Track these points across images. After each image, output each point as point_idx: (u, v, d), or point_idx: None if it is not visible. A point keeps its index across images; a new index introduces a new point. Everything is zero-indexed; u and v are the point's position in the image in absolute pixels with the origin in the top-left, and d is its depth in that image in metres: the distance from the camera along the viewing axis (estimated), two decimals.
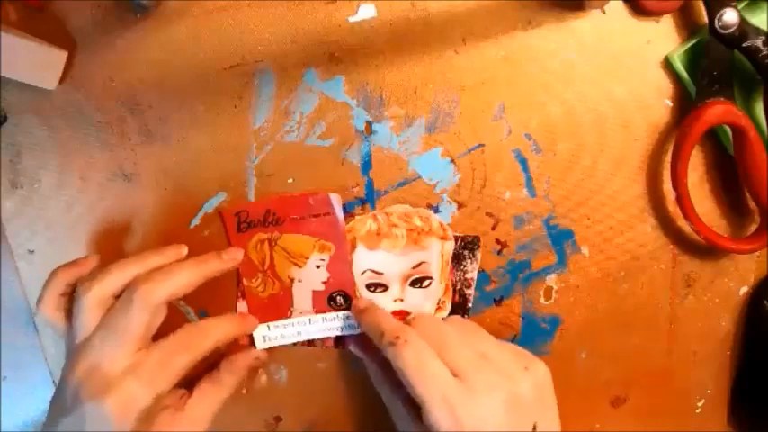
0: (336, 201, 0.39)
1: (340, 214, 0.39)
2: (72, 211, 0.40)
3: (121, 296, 0.34)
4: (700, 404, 0.44)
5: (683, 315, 0.42)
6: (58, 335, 0.36)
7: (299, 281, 0.41)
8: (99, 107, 0.39)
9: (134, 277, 0.34)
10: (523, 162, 0.40)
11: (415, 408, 0.33)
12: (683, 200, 0.38)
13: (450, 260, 0.40)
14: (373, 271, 0.40)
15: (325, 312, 0.41)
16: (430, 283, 0.40)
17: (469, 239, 0.40)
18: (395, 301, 0.41)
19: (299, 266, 0.40)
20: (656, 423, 0.44)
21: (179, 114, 0.39)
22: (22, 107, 0.39)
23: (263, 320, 0.41)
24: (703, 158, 0.40)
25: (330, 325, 0.41)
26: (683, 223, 0.40)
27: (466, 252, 0.40)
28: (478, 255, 0.40)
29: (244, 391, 0.43)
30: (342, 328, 0.41)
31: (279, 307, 0.41)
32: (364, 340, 0.39)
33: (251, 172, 0.39)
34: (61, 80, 0.38)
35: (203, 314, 0.41)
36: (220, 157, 0.39)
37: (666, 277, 0.42)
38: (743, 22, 0.35)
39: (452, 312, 0.41)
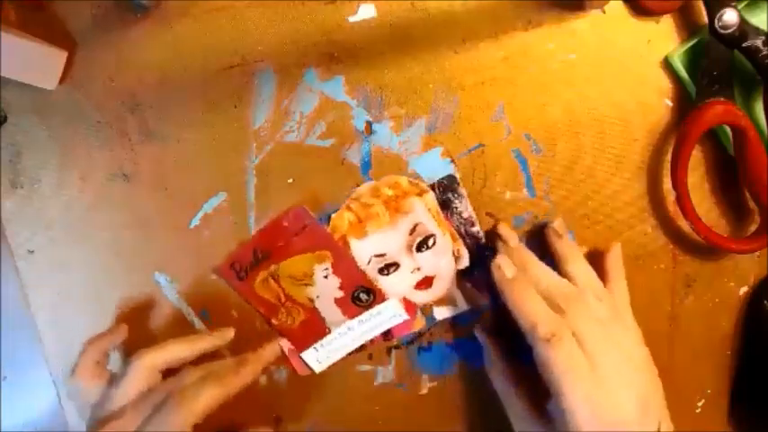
0: (307, 211, 0.39)
1: (317, 222, 0.39)
2: (72, 211, 0.40)
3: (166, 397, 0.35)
4: (700, 404, 0.44)
5: (683, 315, 0.42)
6: (89, 401, 0.37)
7: (317, 297, 0.41)
8: (99, 107, 0.39)
9: (183, 385, 0.35)
10: (523, 162, 0.40)
11: (534, 397, 0.36)
12: (683, 200, 0.38)
13: (440, 209, 0.40)
14: (377, 255, 0.40)
15: (357, 315, 0.41)
16: (435, 240, 0.40)
17: (445, 182, 0.40)
18: (413, 272, 0.40)
19: (311, 285, 0.40)
20: None
21: (179, 114, 0.39)
22: (22, 107, 0.39)
23: (309, 344, 0.42)
24: (703, 158, 0.40)
25: (369, 325, 0.41)
26: (683, 223, 0.40)
27: (449, 194, 0.40)
28: (462, 191, 0.40)
29: (244, 392, 0.43)
30: (382, 324, 0.41)
31: (315, 329, 0.41)
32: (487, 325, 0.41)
33: (251, 172, 0.39)
34: (61, 80, 0.38)
35: (204, 314, 0.41)
36: (220, 157, 0.39)
37: (666, 277, 0.42)
38: (743, 22, 0.35)
39: (471, 255, 0.40)
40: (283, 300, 0.41)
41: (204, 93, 0.39)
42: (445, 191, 0.40)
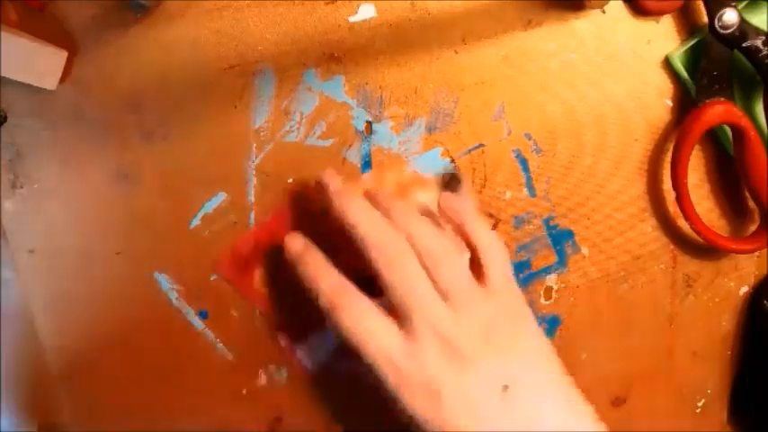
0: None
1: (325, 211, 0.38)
2: (72, 211, 0.40)
3: None
4: (700, 404, 0.44)
5: (683, 315, 0.42)
6: None
7: None
8: (99, 107, 0.39)
9: None
10: (523, 162, 0.40)
11: None
12: (683, 200, 0.38)
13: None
14: None
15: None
16: None
17: (449, 177, 0.39)
18: None
19: None
20: (656, 423, 0.44)
21: (179, 114, 0.39)
22: (22, 107, 0.39)
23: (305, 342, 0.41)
24: (703, 158, 0.40)
25: None
26: (683, 223, 0.40)
27: (452, 190, 0.39)
28: (465, 186, 0.39)
29: (244, 392, 0.43)
30: None
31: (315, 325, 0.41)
32: None
33: (251, 172, 0.39)
34: (61, 80, 0.38)
35: (203, 314, 0.41)
36: (220, 157, 0.39)
37: (666, 277, 0.42)
38: (743, 22, 0.35)
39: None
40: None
41: (204, 93, 0.39)
42: (448, 185, 0.39)
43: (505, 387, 0.31)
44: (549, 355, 0.33)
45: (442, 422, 0.30)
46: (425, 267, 0.32)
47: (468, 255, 0.34)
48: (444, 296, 0.32)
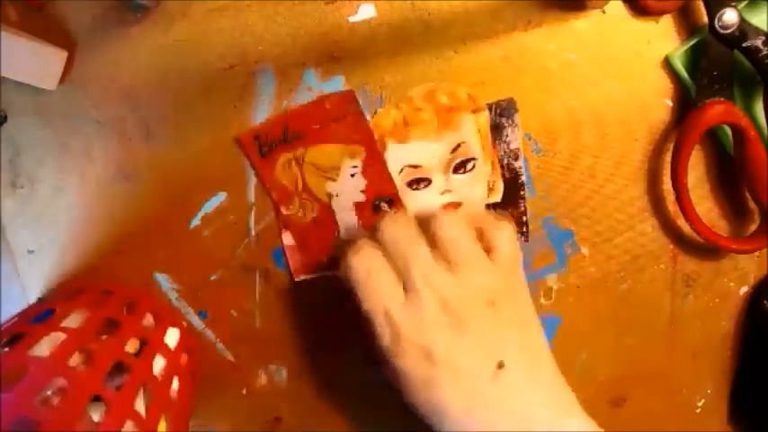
0: (355, 98, 0.37)
1: (362, 112, 0.37)
2: (72, 211, 0.40)
3: None
4: (700, 404, 0.44)
5: (683, 315, 0.42)
6: None
7: (336, 196, 0.38)
8: (99, 107, 0.39)
9: None
10: (523, 162, 0.40)
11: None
12: (683, 200, 0.38)
13: (490, 133, 0.38)
14: (411, 166, 0.38)
15: (372, 223, 0.38)
16: (474, 165, 0.38)
17: (504, 104, 0.37)
18: (442, 193, 0.38)
19: (334, 180, 0.38)
20: (656, 423, 0.44)
21: (179, 114, 0.39)
22: (22, 107, 0.39)
23: (312, 246, 0.39)
24: (703, 158, 0.40)
25: None
26: (683, 223, 0.40)
27: (503, 119, 0.37)
28: (518, 119, 0.38)
29: (244, 392, 0.43)
30: None
31: (324, 229, 0.39)
32: None
33: (251, 172, 0.39)
34: (61, 80, 0.38)
35: (203, 315, 0.41)
36: (220, 157, 0.39)
37: (666, 277, 0.42)
38: (743, 22, 0.35)
39: (506, 190, 0.38)
40: (300, 188, 0.38)
41: (204, 93, 0.39)
42: (501, 114, 0.37)
43: (501, 364, 0.30)
44: (545, 347, 0.33)
45: (430, 387, 0.30)
46: (430, 232, 0.32)
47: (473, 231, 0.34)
48: (446, 258, 0.32)
